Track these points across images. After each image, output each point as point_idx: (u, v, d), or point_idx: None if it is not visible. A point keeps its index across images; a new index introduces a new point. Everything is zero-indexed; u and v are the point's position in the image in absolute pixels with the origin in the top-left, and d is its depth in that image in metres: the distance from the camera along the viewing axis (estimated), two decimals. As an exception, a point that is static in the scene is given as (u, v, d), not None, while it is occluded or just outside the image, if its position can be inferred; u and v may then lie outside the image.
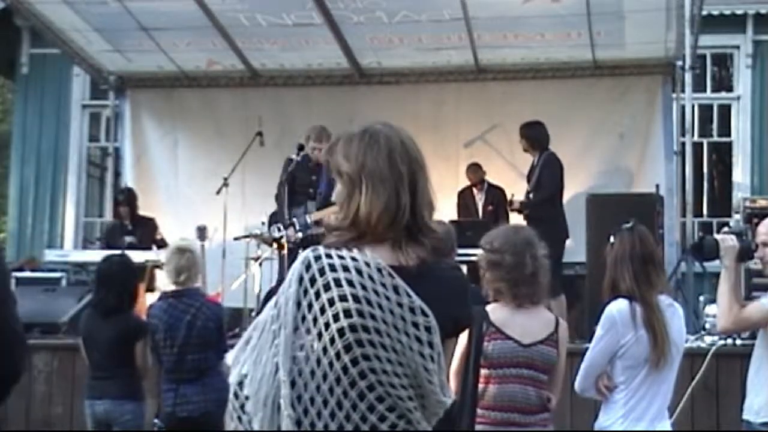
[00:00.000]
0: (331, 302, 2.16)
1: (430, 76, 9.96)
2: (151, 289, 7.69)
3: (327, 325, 2.16)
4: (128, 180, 10.12)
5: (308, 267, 2.21)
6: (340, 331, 2.15)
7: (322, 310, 2.17)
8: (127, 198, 9.16)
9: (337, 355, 2.15)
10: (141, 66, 10.03)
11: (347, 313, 2.15)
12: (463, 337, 3.90)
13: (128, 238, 8.87)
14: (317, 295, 2.18)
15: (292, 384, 2.17)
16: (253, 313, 8.54)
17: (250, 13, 8.68)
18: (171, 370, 5.45)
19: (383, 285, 2.16)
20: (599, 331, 3.98)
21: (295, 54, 9.64)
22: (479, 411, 3.86)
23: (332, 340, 2.15)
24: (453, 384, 3.87)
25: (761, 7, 10.66)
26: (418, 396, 2.17)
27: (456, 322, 2.25)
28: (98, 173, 12.01)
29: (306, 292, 2.19)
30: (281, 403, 2.18)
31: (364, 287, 2.16)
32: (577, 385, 4.09)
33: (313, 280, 2.19)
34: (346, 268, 2.18)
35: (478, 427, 3.83)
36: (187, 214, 9.56)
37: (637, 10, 8.29)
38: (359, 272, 2.17)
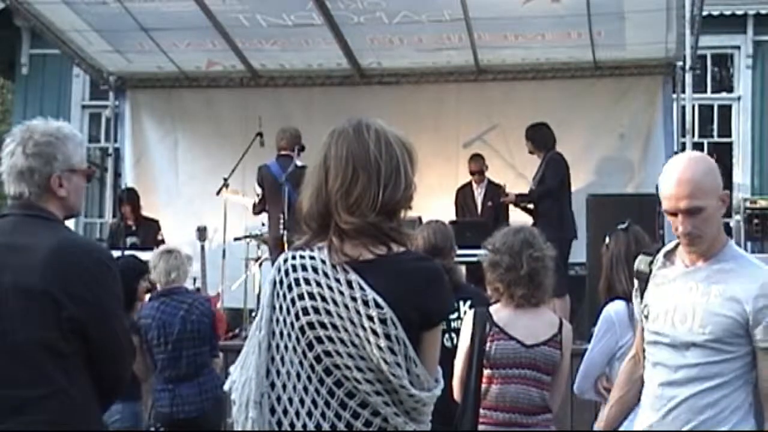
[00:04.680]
0: (293, 302, 2.22)
1: (430, 77, 9.95)
2: (150, 290, 7.71)
3: (292, 325, 2.22)
4: (128, 180, 10.11)
5: (278, 270, 2.28)
6: (302, 330, 2.21)
7: (288, 311, 2.23)
8: (129, 198, 9.16)
9: (304, 354, 2.20)
10: (141, 66, 10.02)
11: (305, 311, 2.21)
12: (466, 338, 3.91)
13: (131, 239, 8.88)
14: (284, 296, 2.24)
15: (272, 385, 2.21)
16: (253, 314, 8.56)
17: (250, 13, 8.67)
18: (165, 368, 5.44)
19: (337, 280, 2.20)
20: (597, 333, 3.98)
21: (295, 54, 9.64)
22: (482, 411, 3.86)
23: (297, 339, 2.21)
24: (456, 385, 3.87)
25: (761, 7, 10.66)
26: (388, 391, 2.17)
27: (424, 313, 2.22)
28: (98, 173, 12.01)
29: (277, 295, 2.26)
30: (262, 404, 2.22)
31: (318, 284, 2.20)
32: (576, 386, 4.09)
33: (281, 283, 2.26)
34: (304, 268, 2.23)
35: (480, 428, 3.84)
36: (187, 215, 9.56)
37: (637, 11, 8.28)
38: (315, 270, 2.22)
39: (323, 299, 2.19)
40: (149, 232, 9.02)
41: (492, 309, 3.96)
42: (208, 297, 7.61)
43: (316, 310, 2.20)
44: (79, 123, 11.61)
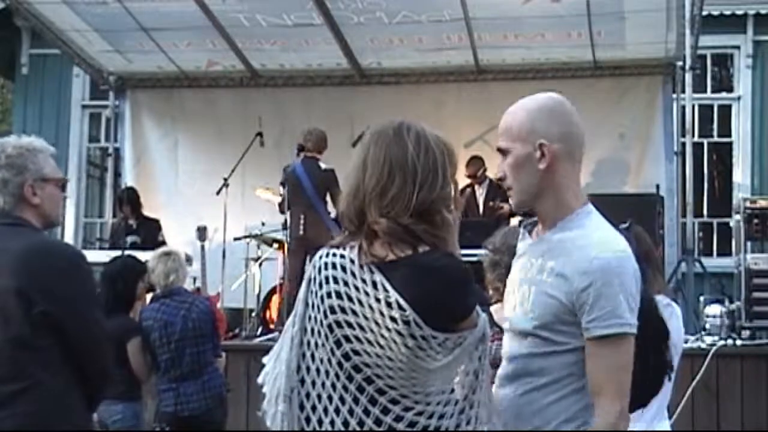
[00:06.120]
0: (322, 300, 2.24)
1: (431, 77, 9.96)
2: (151, 289, 7.72)
3: (321, 323, 2.24)
4: (128, 180, 10.12)
5: (314, 267, 2.30)
6: (330, 327, 2.22)
7: (318, 308, 2.25)
8: (129, 197, 9.17)
9: (332, 351, 2.21)
10: (141, 66, 10.04)
11: (332, 310, 2.22)
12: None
13: (131, 238, 8.88)
14: (315, 293, 2.26)
15: (302, 381, 2.23)
16: (253, 314, 8.57)
17: (250, 13, 8.69)
18: (169, 368, 5.45)
19: (363, 281, 2.21)
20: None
21: (295, 54, 9.65)
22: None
23: (326, 337, 2.22)
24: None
25: (761, 7, 10.65)
26: (417, 385, 2.18)
27: (450, 310, 2.22)
28: (98, 173, 12.01)
29: (311, 291, 2.28)
30: (291, 399, 2.23)
31: (346, 284, 2.22)
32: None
33: (314, 280, 2.28)
34: (334, 266, 2.25)
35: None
36: (187, 215, 9.57)
37: (637, 11, 8.29)
38: (344, 269, 2.23)
39: (350, 299, 2.20)
40: (150, 231, 9.02)
41: (492, 309, 3.95)
42: (208, 297, 7.63)
43: (343, 310, 2.21)
44: (79, 123, 11.61)
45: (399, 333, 2.15)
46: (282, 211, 8.40)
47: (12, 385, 2.68)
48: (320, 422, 2.20)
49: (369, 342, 2.18)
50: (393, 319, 2.16)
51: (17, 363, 2.69)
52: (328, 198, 8.09)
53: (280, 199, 8.38)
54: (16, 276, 2.70)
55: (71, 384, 2.77)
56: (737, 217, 8.31)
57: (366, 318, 2.18)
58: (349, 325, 2.19)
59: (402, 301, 2.16)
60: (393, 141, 2.28)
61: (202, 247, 8.41)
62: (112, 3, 8.52)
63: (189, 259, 8.57)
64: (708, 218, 10.81)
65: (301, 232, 7.91)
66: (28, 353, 2.69)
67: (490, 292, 4.02)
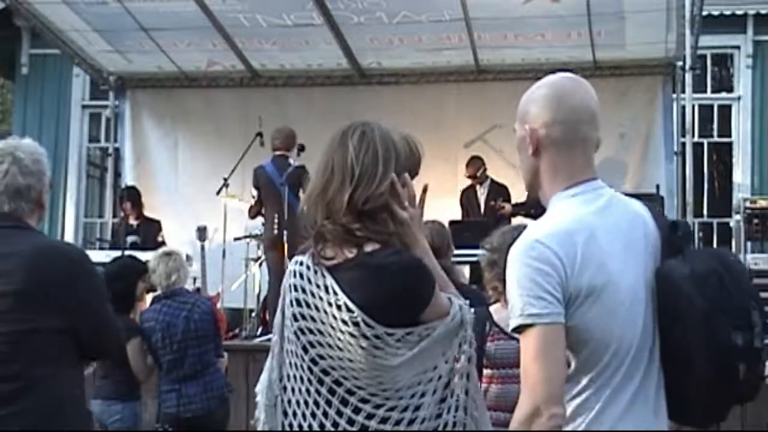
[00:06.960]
0: (288, 308, 2.29)
1: (430, 77, 9.96)
2: (152, 290, 7.71)
3: (291, 330, 2.28)
4: (128, 180, 10.13)
5: (287, 275, 2.34)
6: (296, 334, 2.26)
7: (288, 317, 2.30)
8: (129, 195, 9.17)
9: (302, 358, 2.25)
10: (141, 66, 10.03)
11: (295, 318, 2.27)
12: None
13: (131, 238, 8.88)
14: (285, 302, 2.31)
15: (284, 389, 2.25)
16: (253, 314, 8.57)
17: (250, 13, 8.68)
18: (171, 369, 5.45)
19: (318, 286, 2.24)
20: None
21: (295, 54, 9.64)
22: (481, 411, 3.85)
23: (296, 344, 2.27)
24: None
25: (761, 7, 10.66)
26: (384, 382, 2.19)
27: (403, 305, 2.21)
28: (98, 173, 12.02)
29: (284, 300, 2.32)
30: (276, 407, 2.26)
31: (304, 291, 2.26)
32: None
33: (284, 289, 2.33)
34: (295, 274, 2.29)
35: (480, 428, 3.82)
36: (187, 215, 9.57)
37: (637, 11, 8.29)
38: (301, 276, 2.27)
39: (308, 305, 2.24)
40: (150, 231, 9.02)
41: (492, 309, 3.95)
42: (208, 297, 7.62)
43: (303, 317, 2.25)
44: (79, 123, 11.61)
45: (352, 335, 2.18)
46: (252, 216, 8.37)
47: (15, 383, 2.72)
48: (300, 427, 2.24)
49: (330, 346, 2.21)
50: (344, 321, 2.19)
51: (20, 362, 2.73)
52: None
53: (249, 203, 8.36)
54: (23, 278, 2.74)
55: (74, 383, 2.84)
56: (737, 217, 8.32)
57: (323, 323, 2.22)
58: (311, 331, 2.23)
59: (350, 303, 2.18)
60: (338, 145, 2.31)
61: (202, 247, 8.42)
62: (112, 3, 8.52)
63: (189, 259, 8.58)
64: (708, 218, 10.81)
65: (275, 232, 7.86)
66: (33, 352, 2.73)
67: (489, 291, 4.01)
